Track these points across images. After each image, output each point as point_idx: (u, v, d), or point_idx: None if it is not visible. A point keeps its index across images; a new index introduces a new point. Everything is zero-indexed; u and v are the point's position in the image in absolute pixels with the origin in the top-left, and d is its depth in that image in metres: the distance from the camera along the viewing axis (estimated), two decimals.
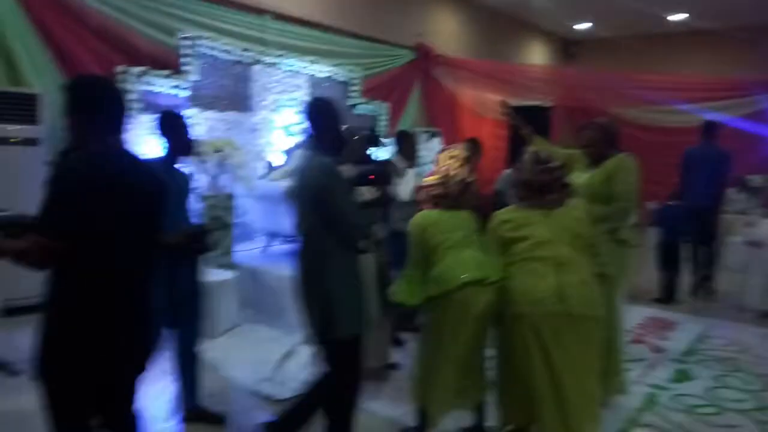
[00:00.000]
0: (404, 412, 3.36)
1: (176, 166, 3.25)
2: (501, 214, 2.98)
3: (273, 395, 3.75)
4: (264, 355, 4.35)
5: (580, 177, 3.55)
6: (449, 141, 7.99)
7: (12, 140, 4.79)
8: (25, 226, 2.01)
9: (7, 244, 1.95)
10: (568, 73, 12.12)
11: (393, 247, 3.87)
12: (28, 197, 4.75)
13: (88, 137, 2.08)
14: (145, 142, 5.62)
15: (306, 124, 2.88)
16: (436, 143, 8.43)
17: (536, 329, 2.69)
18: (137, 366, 2.23)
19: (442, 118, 9.54)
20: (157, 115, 3.24)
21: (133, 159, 2.19)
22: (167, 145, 3.21)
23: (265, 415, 3.36)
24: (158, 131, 3.20)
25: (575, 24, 12.28)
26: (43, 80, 5.11)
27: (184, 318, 3.28)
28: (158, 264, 2.36)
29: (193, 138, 3.31)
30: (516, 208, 2.97)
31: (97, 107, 2.08)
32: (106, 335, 2.07)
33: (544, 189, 2.90)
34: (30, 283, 4.59)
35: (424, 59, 9.34)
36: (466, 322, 2.86)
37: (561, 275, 2.73)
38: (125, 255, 2.09)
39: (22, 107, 4.86)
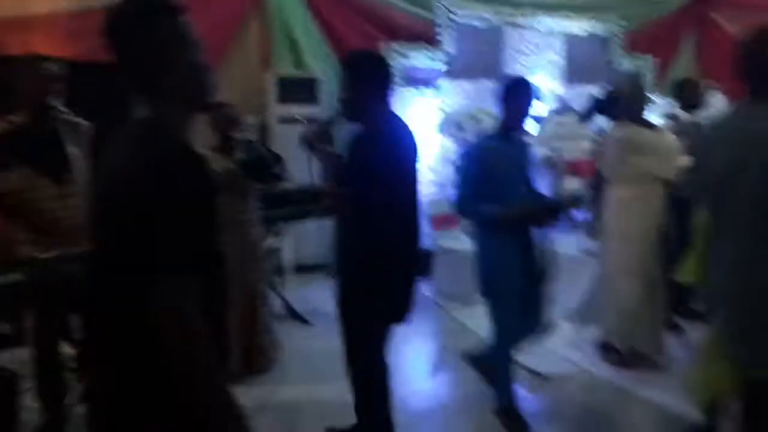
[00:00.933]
0: (686, 407, 3.02)
1: (514, 134, 2.93)
2: None
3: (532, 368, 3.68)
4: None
5: None
6: (734, 99, 6.85)
7: (298, 119, 5.43)
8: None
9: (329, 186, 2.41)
10: None
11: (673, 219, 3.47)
12: (314, 169, 5.51)
13: (366, 108, 2.31)
14: (404, 115, 5.94)
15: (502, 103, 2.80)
16: (719, 101, 7.28)
17: None
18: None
19: (724, 72, 8.19)
20: (504, 82, 2.92)
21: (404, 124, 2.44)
22: (507, 113, 2.84)
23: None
24: (502, 98, 2.84)
25: None
26: (320, 64, 5.69)
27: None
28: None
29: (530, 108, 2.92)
30: None
31: (374, 80, 2.32)
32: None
33: None
34: (315, 245, 5.40)
35: (702, 2, 8.10)
36: None
37: None
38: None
39: (305, 90, 5.47)
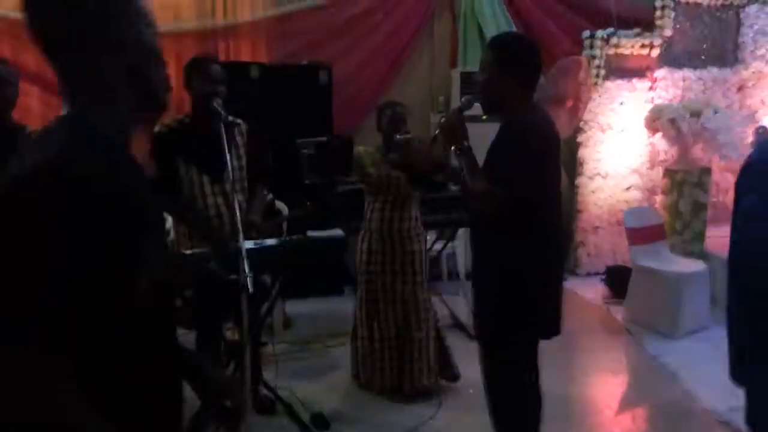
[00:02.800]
0: None
1: None
2: None
3: None
4: None
5: None
6: None
7: (482, 118, 5.10)
8: None
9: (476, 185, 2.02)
10: None
11: None
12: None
13: (511, 97, 2.02)
14: (611, 110, 5.24)
15: None
16: None
17: None
18: None
19: None
20: None
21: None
22: None
23: None
24: None
25: None
26: None
27: None
28: None
29: None
30: None
31: (525, 67, 2.03)
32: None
33: None
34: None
35: None
36: None
37: None
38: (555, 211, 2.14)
39: None
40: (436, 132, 2.10)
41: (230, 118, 2.88)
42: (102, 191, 0.84)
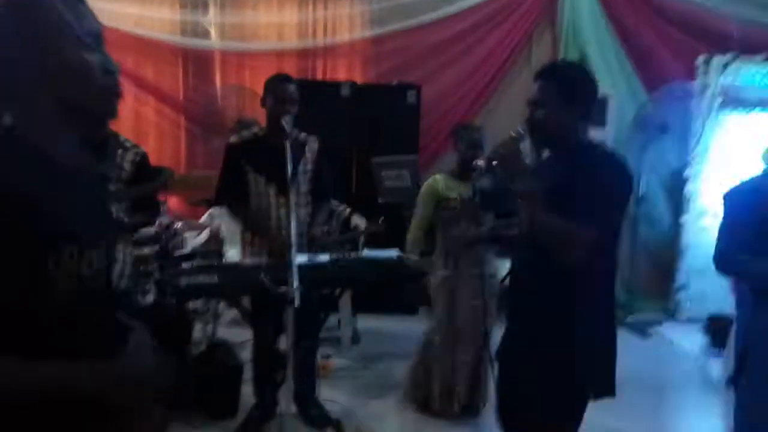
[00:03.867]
0: None
1: None
2: None
3: None
4: None
5: None
6: None
7: None
8: None
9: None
10: None
11: None
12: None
13: (570, 130, 1.84)
14: (726, 144, 4.79)
15: None
16: None
17: None
18: None
19: None
20: None
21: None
22: None
23: None
24: None
25: None
26: (615, 81, 4.99)
27: None
28: None
29: None
30: None
31: (584, 101, 1.84)
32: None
33: None
34: None
35: None
36: None
37: None
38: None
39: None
40: (492, 162, 1.93)
41: (302, 134, 2.98)
42: None
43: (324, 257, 2.52)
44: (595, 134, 4.85)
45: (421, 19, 5.07)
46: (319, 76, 5.32)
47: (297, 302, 2.17)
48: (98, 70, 0.98)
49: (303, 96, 2.83)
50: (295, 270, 2.19)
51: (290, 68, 5.27)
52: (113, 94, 1.02)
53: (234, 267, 2.46)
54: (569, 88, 1.82)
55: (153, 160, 5.19)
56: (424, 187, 3.17)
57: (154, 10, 5.25)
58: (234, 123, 4.81)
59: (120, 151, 2.56)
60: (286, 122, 2.60)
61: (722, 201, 2.34)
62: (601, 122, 4.82)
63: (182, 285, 2.26)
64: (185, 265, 2.48)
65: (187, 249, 4.34)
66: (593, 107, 1.89)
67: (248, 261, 2.59)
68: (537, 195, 1.81)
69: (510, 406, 2.02)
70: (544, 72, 1.89)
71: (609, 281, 1.92)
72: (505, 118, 4.92)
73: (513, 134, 1.85)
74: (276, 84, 2.80)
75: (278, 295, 2.25)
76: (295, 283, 2.17)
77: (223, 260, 3.69)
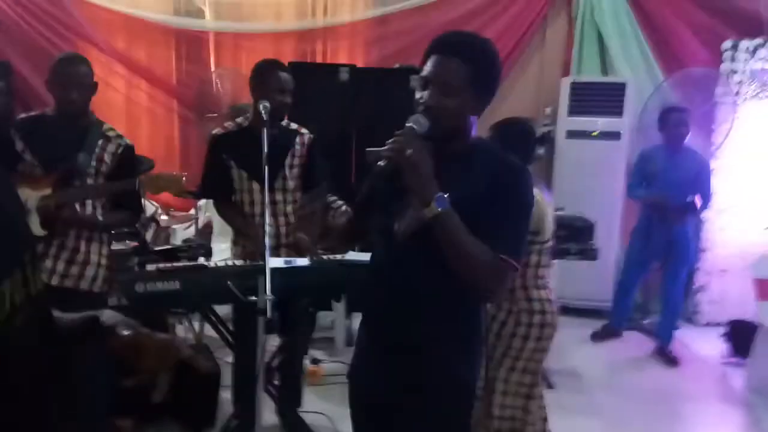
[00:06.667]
0: None
1: None
2: None
3: None
4: None
5: None
6: None
7: (592, 134, 4.54)
8: None
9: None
10: None
11: None
12: (604, 195, 4.61)
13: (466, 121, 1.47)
14: (753, 135, 4.45)
15: None
16: None
17: None
18: None
19: None
20: None
21: None
22: None
23: None
24: None
25: None
26: (632, 64, 4.66)
27: None
28: None
29: None
30: None
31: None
32: None
33: None
34: (584, 282, 4.49)
35: None
36: None
37: None
38: None
39: (607, 98, 4.53)
40: (379, 162, 1.40)
41: (292, 125, 2.73)
42: None
43: (303, 261, 2.27)
44: (610, 123, 4.62)
45: None
46: (319, 59, 5.03)
47: (269, 313, 1.94)
48: None
49: (300, 80, 2.59)
50: (267, 276, 1.95)
51: (288, 50, 5.00)
52: None
53: (201, 270, 2.21)
54: (484, 71, 1.43)
55: (146, 146, 5.07)
56: None
57: None
58: (228, 109, 4.58)
59: (101, 142, 2.32)
60: (265, 111, 2.35)
61: None
62: (618, 112, 4.52)
63: (138, 292, 2.02)
64: (149, 267, 2.23)
65: (173, 243, 4.12)
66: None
67: (218, 263, 2.34)
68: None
69: None
70: (449, 47, 1.43)
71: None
72: (517, 105, 4.61)
73: (413, 124, 1.40)
74: (263, 70, 2.53)
75: (247, 304, 2.03)
76: (268, 291, 1.94)
77: (209, 258, 3.47)
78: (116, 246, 2.95)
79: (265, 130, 2.22)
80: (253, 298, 1.97)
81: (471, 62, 1.39)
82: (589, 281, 4.37)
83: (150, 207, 4.31)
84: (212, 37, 5.10)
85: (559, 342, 3.94)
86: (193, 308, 2.75)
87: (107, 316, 0.94)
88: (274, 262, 2.10)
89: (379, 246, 1.59)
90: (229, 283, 2.02)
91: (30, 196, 2.18)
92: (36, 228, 2.14)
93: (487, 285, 1.42)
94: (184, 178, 2.36)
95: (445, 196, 1.35)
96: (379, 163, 1.40)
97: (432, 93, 1.41)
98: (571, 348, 3.96)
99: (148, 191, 2.23)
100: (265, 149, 2.18)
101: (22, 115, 2.38)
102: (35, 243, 0.92)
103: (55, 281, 2.21)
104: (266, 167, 2.15)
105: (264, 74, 2.53)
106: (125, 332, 0.91)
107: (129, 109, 5.16)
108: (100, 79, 5.25)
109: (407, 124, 1.41)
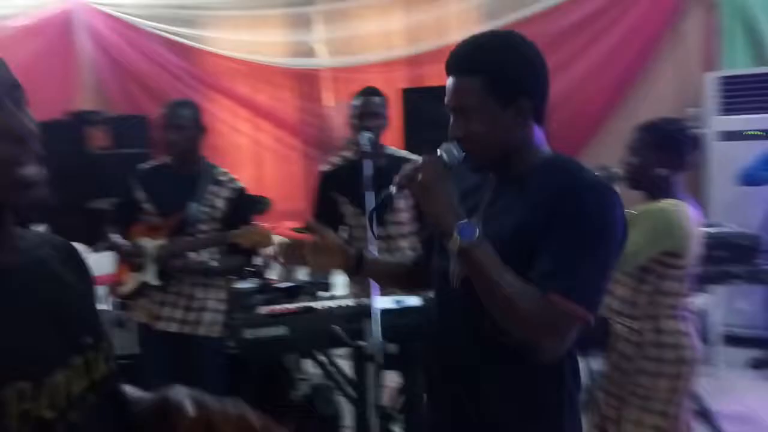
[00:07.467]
0: None
1: None
2: None
3: None
4: None
5: None
6: None
7: (751, 134, 3.95)
8: None
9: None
10: None
11: None
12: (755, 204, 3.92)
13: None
14: None
15: None
16: None
17: None
18: None
19: None
20: None
21: None
22: None
23: None
24: None
25: None
26: None
27: None
28: None
29: None
30: None
31: None
32: None
33: None
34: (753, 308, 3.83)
35: None
36: None
37: None
38: None
39: (763, 93, 3.94)
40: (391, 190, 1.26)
41: (400, 152, 2.61)
42: None
43: (414, 300, 2.10)
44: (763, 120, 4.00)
45: (534, 7, 4.47)
46: (434, 83, 4.92)
47: (380, 360, 1.79)
48: None
49: (413, 105, 2.49)
50: (376, 318, 1.81)
51: (401, 77, 4.94)
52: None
53: (309, 313, 2.12)
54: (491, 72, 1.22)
55: (270, 185, 5.24)
56: None
57: (264, 35, 5.21)
58: (345, 142, 4.60)
59: (212, 187, 2.35)
60: (365, 141, 2.24)
61: None
62: None
63: (248, 338, 1.96)
64: (261, 311, 2.17)
65: (297, 279, 4.13)
66: None
67: (329, 304, 2.24)
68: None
69: None
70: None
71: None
72: (653, 110, 4.10)
73: (444, 154, 1.23)
74: (356, 98, 2.47)
75: (356, 348, 1.90)
76: (376, 335, 1.80)
77: (329, 294, 3.40)
78: (239, 285, 2.98)
79: (366, 160, 2.12)
80: (362, 342, 1.85)
81: (481, 71, 1.20)
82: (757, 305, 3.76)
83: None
84: (328, 73, 5.19)
85: (726, 378, 3.41)
86: (302, 354, 2.67)
87: (175, 392, 0.84)
88: (384, 303, 1.95)
89: (435, 291, 1.39)
90: (336, 327, 1.89)
91: (149, 245, 2.25)
92: (152, 277, 2.21)
93: (535, 336, 1.13)
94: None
95: (474, 224, 1.13)
96: (390, 188, 1.25)
97: (455, 122, 1.24)
98: (741, 385, 3.38)
99: (243, 245, 2.20)
100: (368, 180, 2.08)
101: (143, 165, 2.49)
102: (100, 325, 0.85)
103: (173, 328, 2.24)
104: (371, 198, 2.04)
105: (356, 101, 2.48)
106: (192, 411, 0.79)
107: (255, 150, 5.38)
108: (226, 123, 5.53)
109: (438, 152, 1.24)
